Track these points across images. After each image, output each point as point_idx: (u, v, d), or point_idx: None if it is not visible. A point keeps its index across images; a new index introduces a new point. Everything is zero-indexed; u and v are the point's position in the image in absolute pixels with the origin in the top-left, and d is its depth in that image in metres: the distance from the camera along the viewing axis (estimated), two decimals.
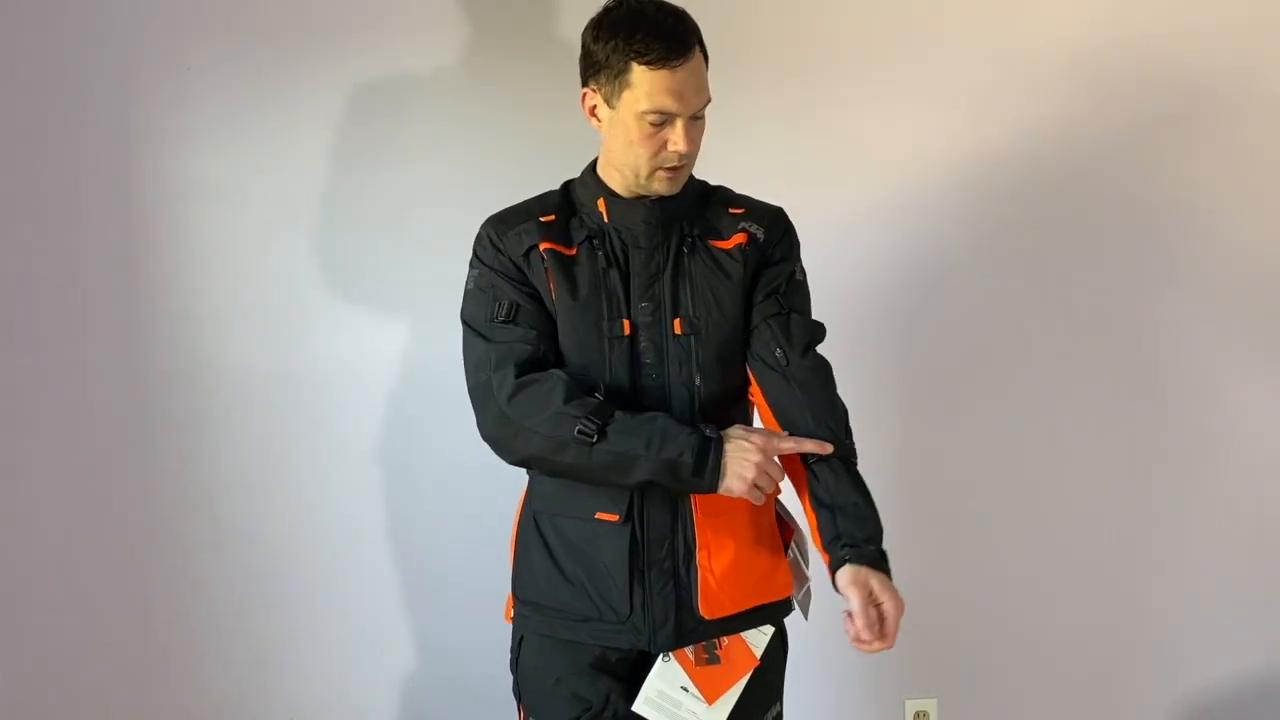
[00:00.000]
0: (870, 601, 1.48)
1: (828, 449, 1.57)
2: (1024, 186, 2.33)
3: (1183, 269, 2.36)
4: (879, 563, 1.52)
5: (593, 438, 1.51)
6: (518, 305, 1.60)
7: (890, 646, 1.48)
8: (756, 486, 1.52)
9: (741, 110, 2.23)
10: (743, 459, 1.51)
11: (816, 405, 1.61)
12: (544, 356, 1.58)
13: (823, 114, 2.29)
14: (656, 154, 1.55)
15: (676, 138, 1.53)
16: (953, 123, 2.31)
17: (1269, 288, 2.38)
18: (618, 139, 1.57)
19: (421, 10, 2.23)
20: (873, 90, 2.30)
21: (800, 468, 1.61)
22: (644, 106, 1.51)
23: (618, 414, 1.53)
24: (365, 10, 2.22)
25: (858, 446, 2.28)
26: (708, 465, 1.51)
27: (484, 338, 1.60)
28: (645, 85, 1.51)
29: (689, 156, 1.57)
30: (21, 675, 2.23)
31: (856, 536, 1.53)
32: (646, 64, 1.50)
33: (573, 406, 1.52)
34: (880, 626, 1.48)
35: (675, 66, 1.50)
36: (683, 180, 1.61)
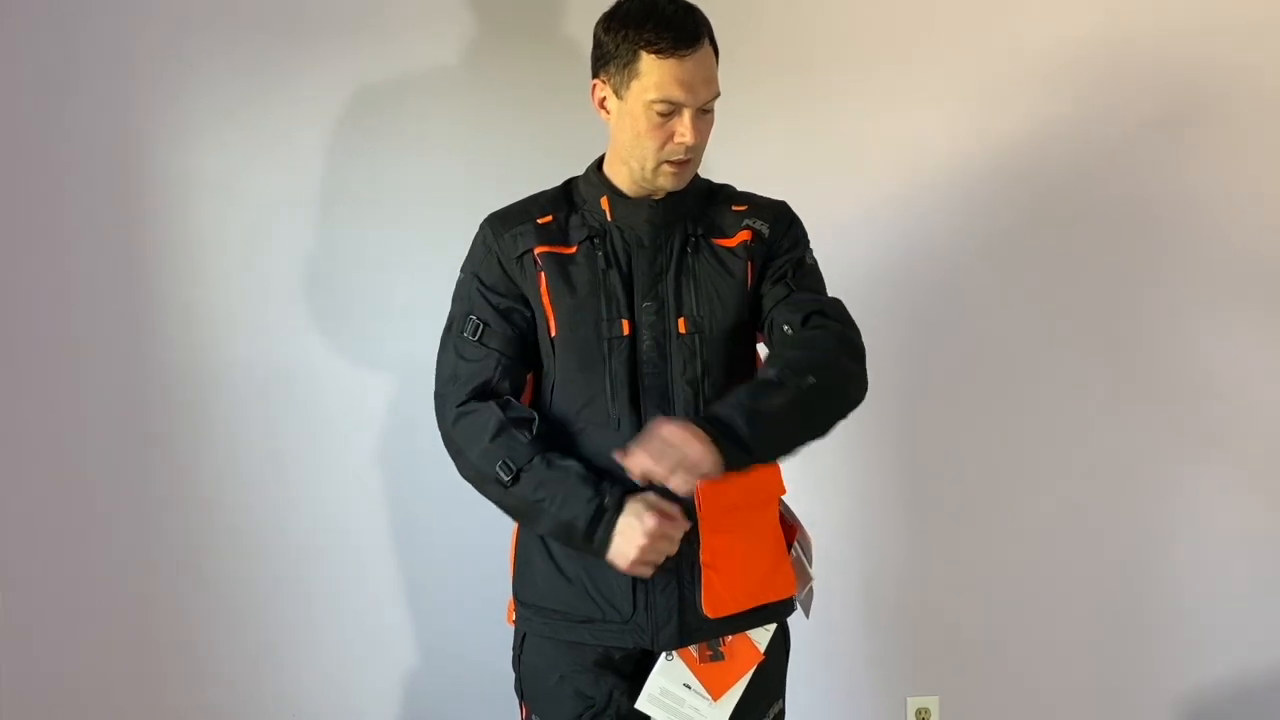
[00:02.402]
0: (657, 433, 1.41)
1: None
2: (1025, 183, 2.33)
3: (1186, 265, 2.36)
4: (702, 422, 1.43)
5: (509, 482, 1.54)
6: (486, 325, 1.62)
7: (651, 462, 1.39)
8: (641, 565, 1.51)
9: (741, 108, 2.22)
10: (628, 539, 1.50)
11: (786, 347, 1.57)
12: (496, 384, 1.61)
13: (823, 112, 2.28)
14: (663, 146, 1.55)
15: (684, 129, 1.53)
16: (954, 120, 2.30)
17: (1272, 281, 2.37)
18: (625, 130, 1.57)
19: (421, 7, 2.22)
20: (873, 88, 2.29)
21: None
22: (652, 95, 1.52)
23: (536, 460, 1.55)
24: (365, 7, 2.21)
25: (856, 444, 2.30)
26: (596, 536, 1.52)
27: (453, 349, 1.64)
28: (654, 75, 1.51)
29: (695, 149, 1.56)
30: (23, 675, 2.23)
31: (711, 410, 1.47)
32: (656, 53, 1.50)
33: (498, 445, 1.56)
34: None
35: (684, 56, 1.51)
36: (688, 176, 1.61)
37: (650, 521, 1.49)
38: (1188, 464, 2.39)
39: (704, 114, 1.56)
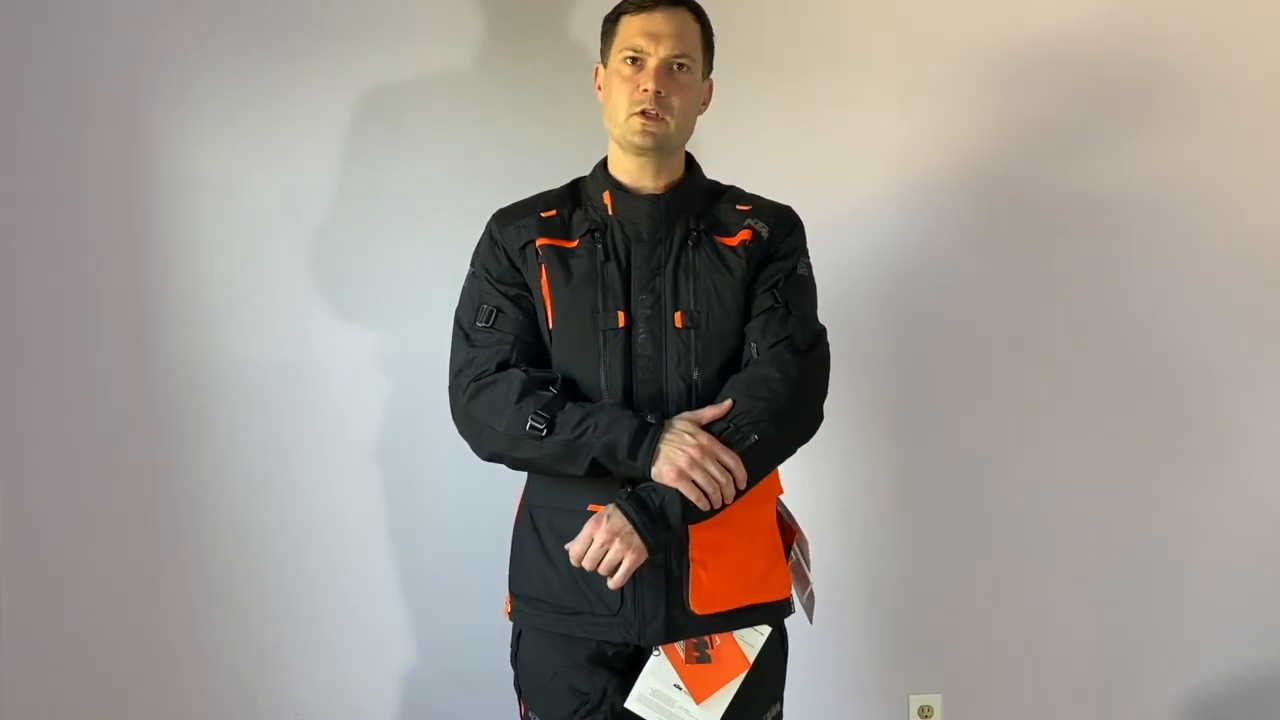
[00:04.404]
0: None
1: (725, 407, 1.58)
2: (1024, 182, 2.32)
3: (1183, 264, 2.35)
4: (632, 509, 1.54)
5: (543, 431, 1.55)
6: (499, 311, 1.65)
7: (586, 563, 1.53)
8: (691, 481, 1.51)
9: (738, 107, 2.23)
10: (679, 447, 1.52)
11: (739, 384, 1.59)
12: (514, 363, 1.63)
13: (814, 112, 2.28)
14: (631, 95, 1.60)
15: (645, 77, 1.59)
16: (947, 121, 2.30)
17: (1264, 279, 2.37)
18: (608, 94, 1.64)
19: (425, 10, 2.22)
20: (865, 88, 2.29)
21: None
22: (621, 45, 1.61)
23: (568, 405, 1.57)
24: (369, 9, 2.21)
25: (856, 443, 2.31)
26: (642, 448, 1.53)
27: (466, 340, 1.66)
28: (625, 29, 1.63)
29: (667, 105, 1.60)
30: (28, 675, 2.23)
31: None
32: (631, 11, 1.62)
33: (526, 402, 1.57)
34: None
35: (653, 10, 1.61)
36: (663, 136, 1.61)
37: (705, 439, 1.53)
38: (1187, 464, 2.38)
39: (674, 71, 1.61)
